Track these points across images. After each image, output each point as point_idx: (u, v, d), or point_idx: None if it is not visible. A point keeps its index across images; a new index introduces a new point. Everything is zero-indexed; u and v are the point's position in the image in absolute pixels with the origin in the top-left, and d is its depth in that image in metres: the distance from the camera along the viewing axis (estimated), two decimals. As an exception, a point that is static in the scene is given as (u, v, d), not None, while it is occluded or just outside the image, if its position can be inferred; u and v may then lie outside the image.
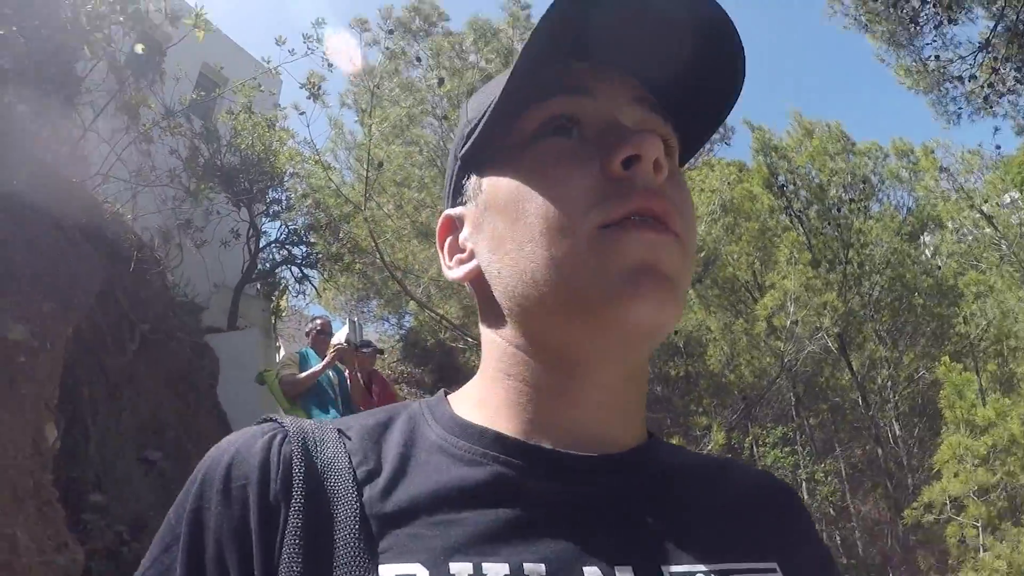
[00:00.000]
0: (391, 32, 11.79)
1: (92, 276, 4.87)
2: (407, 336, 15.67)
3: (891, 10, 8.67)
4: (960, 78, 8.96)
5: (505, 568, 0.52)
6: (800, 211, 13.54)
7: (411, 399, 0.65)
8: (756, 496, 0.68)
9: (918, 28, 8.88)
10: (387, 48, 11.69)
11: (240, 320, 10.00)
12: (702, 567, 0.57)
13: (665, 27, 0.62)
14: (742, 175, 15.42)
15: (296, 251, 11.13)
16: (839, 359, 12.87)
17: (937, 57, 9.00)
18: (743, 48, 0.62)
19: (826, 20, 9.42)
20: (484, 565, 0.52)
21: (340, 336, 5.90)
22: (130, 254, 6.26)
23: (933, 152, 13.90)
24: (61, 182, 5.17)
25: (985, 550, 9.17)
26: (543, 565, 0.53)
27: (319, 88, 8.15)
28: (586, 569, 0.54)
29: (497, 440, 0.61)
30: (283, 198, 10.79)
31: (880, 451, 12.42)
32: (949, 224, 13.69)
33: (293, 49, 6.99)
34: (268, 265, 11.21)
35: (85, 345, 5.23)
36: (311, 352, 6.08)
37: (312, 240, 10.56)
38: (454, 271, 0.68)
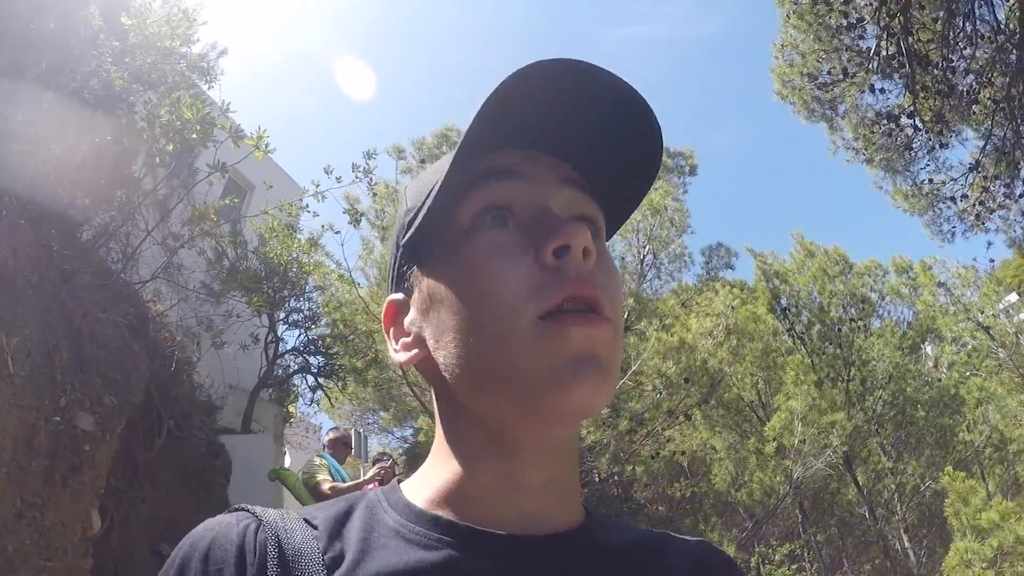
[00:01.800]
0: (423, 161, 12.36)
1: (141, 372, 5.03)
2: (413, 448, 15.68)
3: (887, 139, 9.06)
4: (952, 198, 9.30)
5: None
6: (802, 332, 13.77)
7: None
8: (693, 568, 0.71)
9: (912, 154, 9.29)
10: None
11: (254, 424, 10.04)
12: None
13: (587, 112, 0.66)
14: (744, 295, 15.70)
15: (312, 360, 11.28)
16: (844, 474, 12.85)
17: (931, 180, 9.38)
18: (659, 129, 0.67)
19: (831, 156, 9.84)
20: None
21: None
22: (167, 353, 6.42)
23: (931, 268, 14.32)
24: (116, 279, 5.39)
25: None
26: None
27: (359, 214, 8.53)
28: None
29: (449, 526, 0.64)
30: (305, 308, 11.02)
31: (889, 564, 12.25)
32: (948, 335, 13.98)
33: (340, 176, 7.33)
34: (284, 372, 11.34)
35: (122, 438, 5.35)
36: (330, 458, 6.22)
37: (334, 351, 10.72)
38: (400, 355, 0.70)
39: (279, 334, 10.83)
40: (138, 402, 4.78)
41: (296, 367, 11.34)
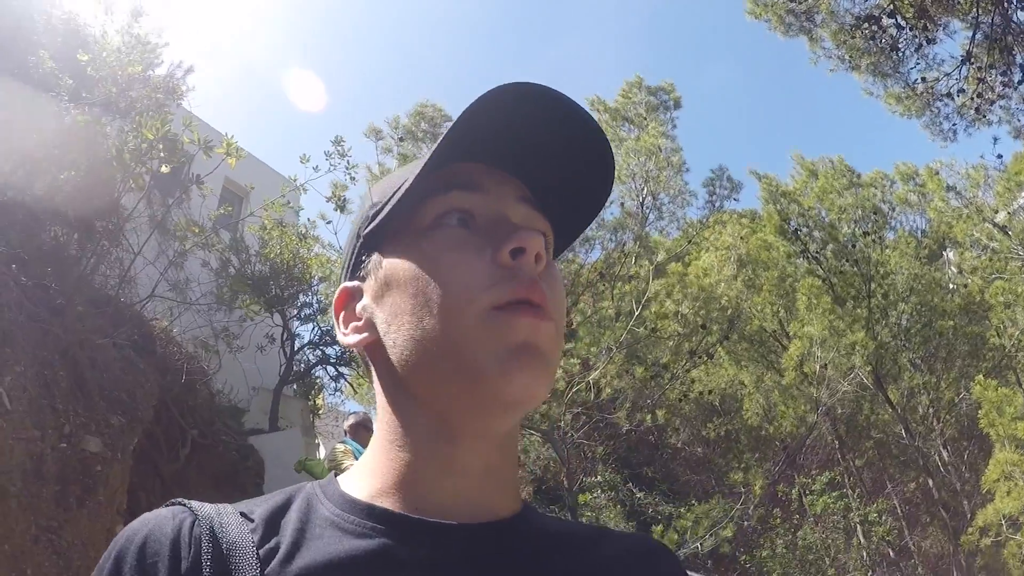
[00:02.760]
0: (402, 140, 12.36)
1: (149, 390, 5.21)
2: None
3: (871, 43, 8.74)
4: (949, 95, 8.95)
5: None
6: (817, 252, 13.46)
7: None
8: (628, 558, 0.72)
9: (900, 55, 8.96)
10: (401, 155, 12.24)
11: (281, 421, 10.27)
12: None
13: (546, 137, 0.71)
14: (754, 225, 15.54)
15: (330, 351, 11.47)
16: (877, 395, 12.65)
17: (923, 79, 9.04)
18: (612, 157, 0.73)
19: (812, 66, 9.57)
20: None
21: None
22: (178, 366, 6.61)
23: (938, 173, 13.86)
24: (114, 304, 5.57)
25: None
26: None
27: (343, 200, 8.63)
28: None
29: (384, 515, 0.65)
30: (314, 302, 11.19)
31: (931, 481, 12.08)
32: (966, 240, 13.61)
33: (318, 166, 7.44)
34: (303, 366, 11.55)
35: (143, 453, 5.55)
36: (353, 443, 6.36)
37: (347, 338, 10.84)
38: (350, 338, 0.73)
39: (293, 330, 11.04)
40: (148, 419, 4.96)
41: (315, 360, 11.54)
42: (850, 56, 8.93)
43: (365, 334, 0.71)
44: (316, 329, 11.44)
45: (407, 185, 0.67)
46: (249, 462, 8.40)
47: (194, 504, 0.66)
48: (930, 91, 9.15)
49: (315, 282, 10.94)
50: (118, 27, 5.89)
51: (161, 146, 5.08)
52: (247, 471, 8.18)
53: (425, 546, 0.63)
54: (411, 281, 0.66)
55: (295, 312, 11.02)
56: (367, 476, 0.70)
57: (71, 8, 5.63)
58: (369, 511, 0.66)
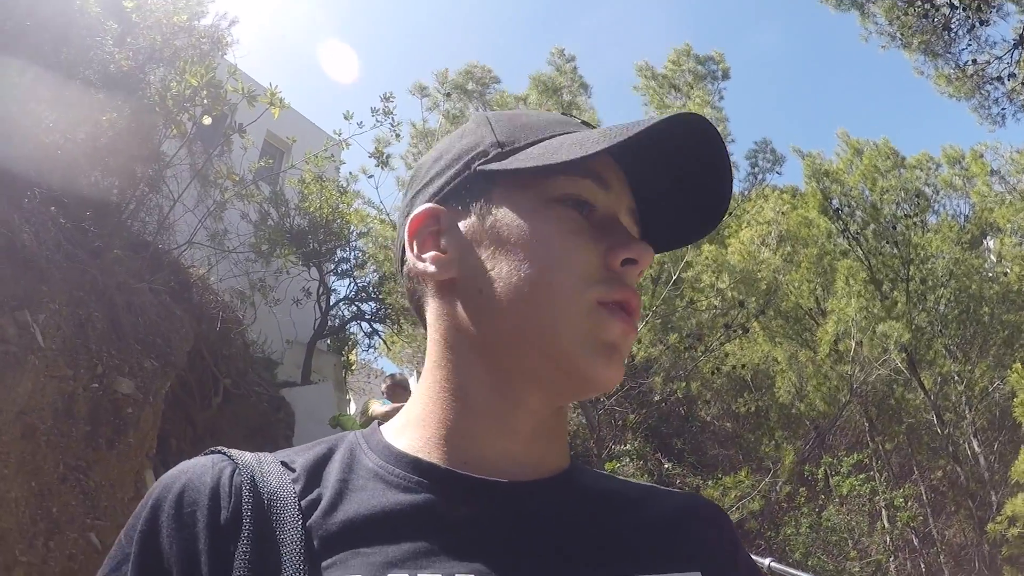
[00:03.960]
0: (448, 95, 12.21)
1: (184, 336, 5.28)
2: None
3: (923, 20, 8.59)
4: (999, 78, 8.78)
5: None
6: (857, 232, 13.26)
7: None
8: (679, 513, 0.72)
9: (952, 35, 8.78)
10: (447, 111, 12.13)
11: (313, 375, 10.41)
12: None
13: (680, 171, 0.72)
14: (796, 201, 15.30)
15: (365, 307, 11.56)
16: (910, 379, 12.48)
17: (974, 61, 8.85)
18: (727, 206, 0.74)
19: (863, 42, 9.40)
20: (420, 575, 0.57)
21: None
22: (213, 314, 6.70)
23: (982, 156, 13.60)
24: (152, 250, 5.64)
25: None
26: None
27: (386, 155, 8.63)
28: None
29: (430, 469, 0.65)
30: (351, 257, 11.27)
31: (959, 470, 11.96)
32: (1007, 227, 13.32)
33: (362, 122, 7.42)
34: (338, 321, 11.67)
35: (176, 399, 5.65)
36: (389, 403, 6.43)
37: (384, 295, 10.95)
38: (429, 266, 0.70)
39: (329, 285, 11.14)
40: (181, 364, 5.03)
41: (350, 315, 11.66)
42: (902, 33, 8.75)
43: (451, 270, 0.69)
44: (352, 284, 11.55)
45: (564, 158, 0.64)
46: (280, 414, 8.54)
47: (234, 452, 0.65)
48: (980, 74, 9.00)
49: (353, 237, 11.00)
50: (164, -27, 5.88)
51: (204, 93, 5.08)
52: (278, 423, 8.32)
53: (471, 503, 0.63)
54: (526, 245, 0.66)
55: (332, 267, 11.12)
56: (413, 426, 0.69)
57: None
58: (415, 464, 0.65)
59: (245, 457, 0.65)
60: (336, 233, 10.38)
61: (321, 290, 10.82)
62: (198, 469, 0.63)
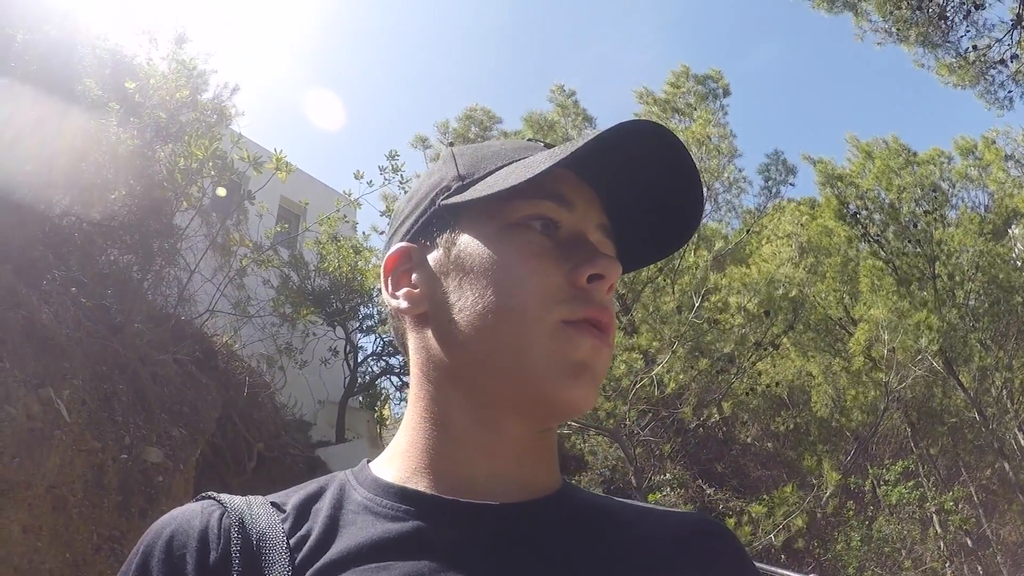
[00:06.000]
0: (451, 144, 12.37)
1: (211, 403, 5.35)
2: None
3: (918, 12, 8.51)
4: (1002, 61, 8.66)
5: None
6: (878, 235, 13.06)
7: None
8: (678, 530, 0.71)
9: (948, 23, 8.70)
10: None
11: (347, 432, 10.43)
12: None
13: (649, 180, 0.72)
14: (814, 212, 15.19)
15: (393, 361, 11.60)
16: (947, 378, 12.20)
17: (975, 46, 8.74)
18: (698, 223, 0.74)
19: (859, 41, 9.35)
20: None
21: None
22: (241, 380, 6.78)
23: (995, 143, 13.40)
24: (174, 321, 5.74)
25: None
26: None
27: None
28: None
29: (416, 496, 0.65)
30: (375, 313, 11.35)
31: (1007, 465, 11.63)
32: (1028, 212, 13.07)
33: (372, 181, 7.59)
34: (368, 378, 11.71)
35: (210, 465, 5.70)
36: None
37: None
38: (401, 302, 0.72)
39: (356, 342, 11.21)
40: (210, 431, 5.09)
41: (379, 370, 11.70)
42: (897, 28, 8.70)
43: (423, 304, 0.70)
44: (378, 340, 11.60)
45: (512, 183, 0.65)
46: (316, 474, 8.52)
47: (223, 497, 0.67)
48: (982, 59, 8.89)
49: (374, 293, 11.10)
50: (163, 54, 6.10)
51: (211, 164, 5.22)
52: (315, 483, 8.33)
53: (459, 527, 0.63)
54: (488, 272, 0.66)
55: (357, 324, 11.19)
56: (399, 457, 0.70)
57: (117, 40, 5.84)
58: (402, 494, 0.66)
59: (234, 500, 0.66)
60: (357, 291, 10.48)
61: (348, 348, 10.89)
62: (187, 514, 0.65)
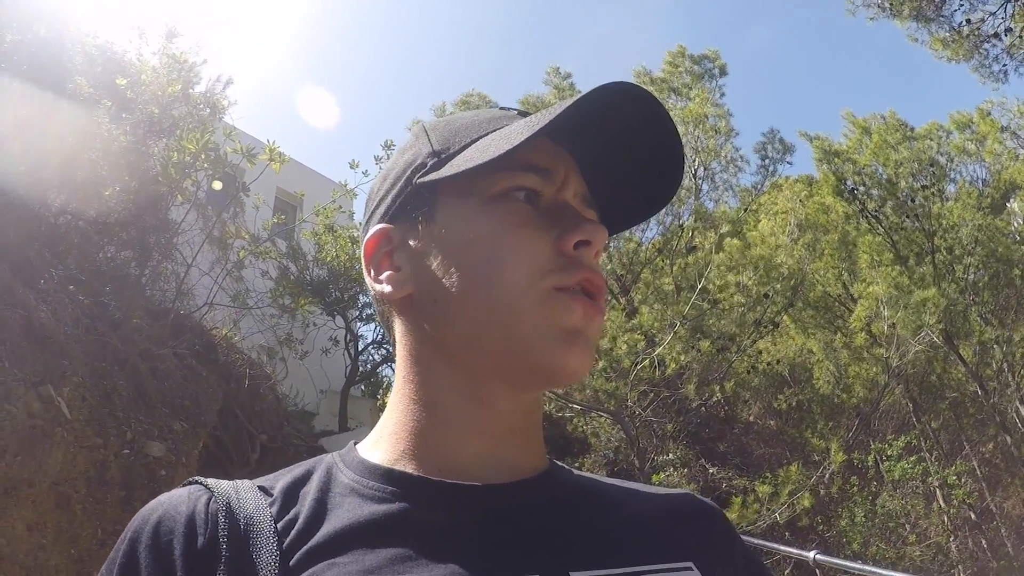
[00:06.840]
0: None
1: (212, 396, 5.37)
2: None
3: None
4: (996, 35, 8.67)
5: None
6: (875, 211, 12.99)
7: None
8: (667, 508, 0.72)
9: None
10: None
11: (350, 421, 10.47)
12: (612, 570, 0.62)
13: (628, 143, 0.72)
14: (811, 189, 15.15)
15: (393, 348, 11.63)
16: (948, 353, 12.17)
17: (968, 20, 8.74)
18: (681, 172, 0.74)
19: (850, 16, 9.33)
20: None
21: None
22: (242, 373, 6.80)
23: (990, 114, 13.30)
24: (172, 315, 5.76)
25: None
26: None
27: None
28: None
29: (403, 478, 0.65)
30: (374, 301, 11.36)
31: (1009, 439, 11.64)
32: (1024, 183, 12.97)
33: (367, 171, 7.59)
34: (369, 366, 11.75)
35: (213, 458, 5.73)
36: None
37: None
38: (385, 287, 0.70)
39: (356, 331, 11.24)
40: (212, 423, 5.11)
41: (380, 358, 11.74)
42: (891, 3, 8.64)
43: (407, 286, 0.69)
44: (378, 328, 11.62)
45: (491, 155, 0.64)
46: (321, 463, 8.59)
47: (210, 481, 0.66)
48: (976, 32, 8.88)
49: (372, 282, 11.11)
50: (154, 49, 6.08)
51: (203, 157, 5.21)
52: (319, 472, 8.37)
53: (446, 508, 0.63)
54: (473, 247, 0.66)
55: (356, 313, 11.22)
56: (386, 439, 0.70)
57: (107, 37, 5.83)
58: (388, 475, 0.66)
59: (222, 485, 0.66)
60: (356, 280, 10.49)
61: (348, 337, 10.93)
62: (174, 500, 0.64)
